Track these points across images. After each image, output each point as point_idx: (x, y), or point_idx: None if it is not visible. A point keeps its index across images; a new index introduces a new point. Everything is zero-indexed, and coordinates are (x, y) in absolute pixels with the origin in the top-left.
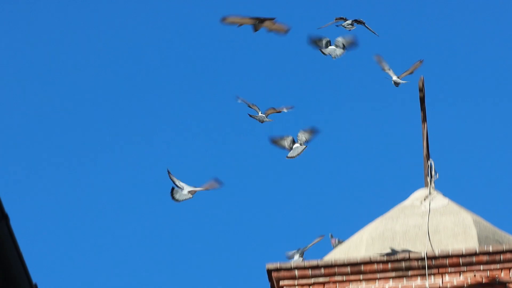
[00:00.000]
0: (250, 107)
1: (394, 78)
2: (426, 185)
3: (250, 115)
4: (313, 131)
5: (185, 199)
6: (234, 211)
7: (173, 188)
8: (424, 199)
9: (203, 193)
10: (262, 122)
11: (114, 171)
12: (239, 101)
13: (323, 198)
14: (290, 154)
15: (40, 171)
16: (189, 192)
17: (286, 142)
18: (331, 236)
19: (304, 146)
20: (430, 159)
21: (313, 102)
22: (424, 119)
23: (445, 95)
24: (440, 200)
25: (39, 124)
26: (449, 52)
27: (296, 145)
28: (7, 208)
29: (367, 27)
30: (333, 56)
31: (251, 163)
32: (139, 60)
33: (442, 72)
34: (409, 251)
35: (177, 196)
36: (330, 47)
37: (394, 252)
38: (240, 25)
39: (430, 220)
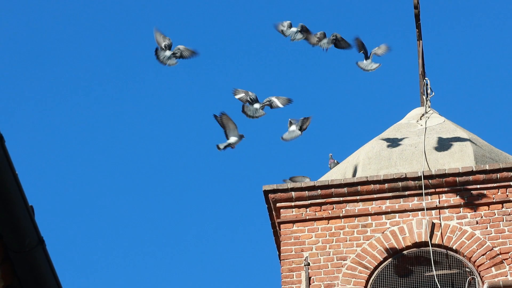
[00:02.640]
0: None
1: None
2: (422, 104)
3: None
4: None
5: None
6: None
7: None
8: (420, 118)
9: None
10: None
11: (109, 94)
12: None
13: (319, 118)
14: (285, 136)
15: (36, 92)
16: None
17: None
18: (331, 157)
19: (300, 133)
20: (426, 77)
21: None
22: (420, 37)
23: (441, 12)
24: (436, 119)
25: (41, 47)
26: None
27: (293, 128)
28: (2, 129)
29: (341, 42)
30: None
31: (247, 87)
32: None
33: None
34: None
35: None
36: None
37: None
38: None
39: (426, 139)
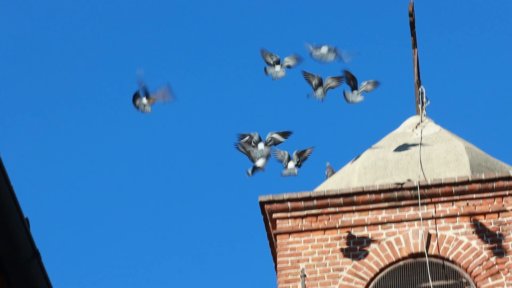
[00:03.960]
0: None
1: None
2: (418, 113)
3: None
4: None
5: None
6: (226, 144)
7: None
8: (416, 127)
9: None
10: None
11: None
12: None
13: (315, 128)
14: (284, 172)
15: (31, 104)
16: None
17: (283, 157)
18: (328, 166)
19: (296, 173)
20: (421, 85)
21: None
22: (415, 45)
23: (436, 20)
24: (431, 128)
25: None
26: None
27: (291, 165)
28: None
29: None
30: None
31: (243, 96)
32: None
33: None
34: (403, 181)
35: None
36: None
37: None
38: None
39: (422, 148)
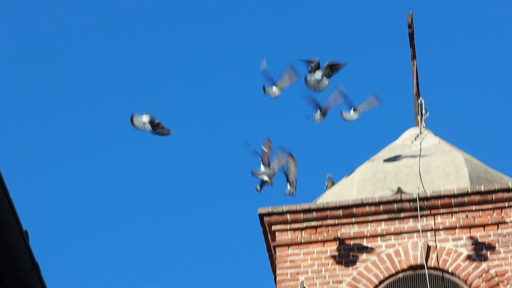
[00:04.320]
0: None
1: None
2: (417, 124)
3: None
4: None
5: None
6: (226, 154)
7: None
8: (415, 139)
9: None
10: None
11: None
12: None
13: (314, 140)
14: (287, 191)
15: (29, 116)
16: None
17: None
18: (329, 178)
19: (294, 191)
20: (420, 97)
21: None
22: (414, 56)
23: (435, 31)
24: (431, 139)
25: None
26: None
27: (289, 188)
28: None
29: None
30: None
31: (244, 109)
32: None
33: (432, 8)
34: (401, 193)
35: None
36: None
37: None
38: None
39: (421, 160)
